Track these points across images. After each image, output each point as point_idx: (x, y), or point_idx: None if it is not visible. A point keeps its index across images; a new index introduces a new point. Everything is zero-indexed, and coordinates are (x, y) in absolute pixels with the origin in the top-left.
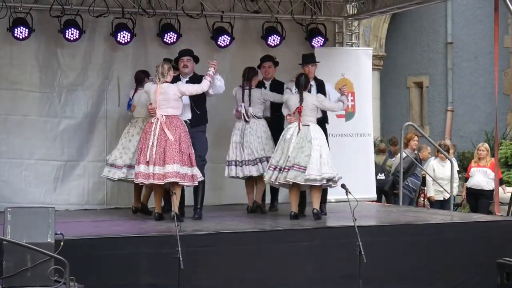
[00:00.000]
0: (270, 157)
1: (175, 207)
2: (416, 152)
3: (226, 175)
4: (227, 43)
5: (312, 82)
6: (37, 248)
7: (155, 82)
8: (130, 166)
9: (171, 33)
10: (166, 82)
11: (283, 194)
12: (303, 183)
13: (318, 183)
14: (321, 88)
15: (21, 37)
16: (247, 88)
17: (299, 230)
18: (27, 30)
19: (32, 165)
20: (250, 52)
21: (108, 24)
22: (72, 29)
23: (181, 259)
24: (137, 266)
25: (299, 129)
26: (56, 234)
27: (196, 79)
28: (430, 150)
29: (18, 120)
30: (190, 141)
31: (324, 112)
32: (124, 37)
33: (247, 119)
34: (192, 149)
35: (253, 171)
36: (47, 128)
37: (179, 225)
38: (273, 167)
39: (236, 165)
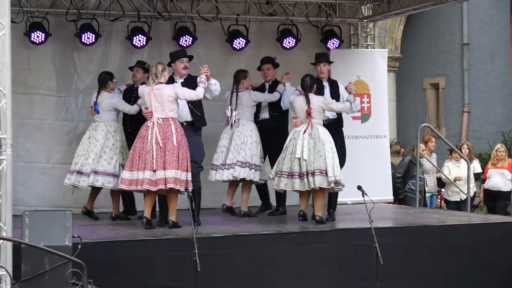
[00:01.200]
0: (242, 161)
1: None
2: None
3: (210, 179)
4: (243, 45)
5: (326, 83)
6: (55, 251)
7: (148, 84)
8: (96, 172)
9: (187, 36)
10: (160, 83)
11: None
12: (329, 187)
13: (341, 187)
14: (334, 89)
15: (37, 42)
16: (235, 91)
17: (315, 232)
18: (43, 34)
19: (49, 169)
20: (266, 54)
21: (124, 28)
22: (88, 33)
23: (198, 261)
24: (154, 269)
25: (312, 131)
26: (73, 237)
27: (190, 80)
28: (424, 148)
29: (35, 124)
30: (187, 145)
31: (339, 115)
32: (140, 40)
33: (231, 122)
34: (189, 154)
35: (236, 174)
36: (64, 132)
37: (196, 227)
38: (286, 174)
39: (221, 169)
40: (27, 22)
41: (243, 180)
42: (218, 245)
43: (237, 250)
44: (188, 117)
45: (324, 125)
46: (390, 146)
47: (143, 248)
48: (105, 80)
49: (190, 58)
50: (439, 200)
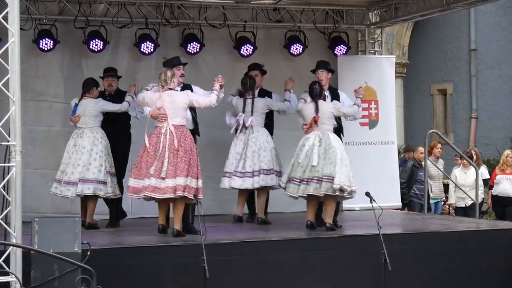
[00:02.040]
0: (266, 169)
1: (176, 221)
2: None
3: (223, 186)
4: (250, 52)
5: (326, 92)
6: (64, 258)
7: (156, 90)
8: (85, 180)
9: (194, 43)
10: (170, 89)
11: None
12: (334, 194)
13: (346, 194)
14: (335, 98)
15: (46, 49)
16: (250, 97)
17: (324, 238)
18: (52, 41)
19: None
20: (273, 61)
21: (131, 35)
22: (96, 40)
23: (206, 268)
24: (163, 275)
25: (320, 139)
26: (82, 243)
27: (187, 88)
28: (423, 150)
29: (43, 131)
30: (197, 152)
31: (339, 121)
32: (147, 47)
33: (245, 130)
34: (199, 161)
35: (264, 182)
36: None
37: (204, 234)
38: (298, 180)
39: (238, 176)
40: (35, 30)
41: (263, 186)
42: (226, 251)
43: (246, 257)
44: (190, 126)
45: None
46: (399, 153)
47: (152, 254)
48: (90, 86)
49: (185, 65)
50: (447, 206)
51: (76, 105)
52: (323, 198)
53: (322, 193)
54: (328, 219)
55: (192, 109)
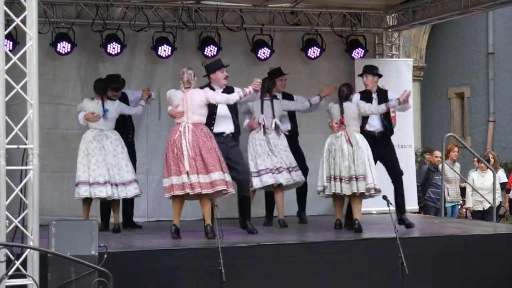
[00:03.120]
0: (293, 166)
1: (206, 219)
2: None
3: (255, 186)
4: (267, 55)
5: (374, 95)
6: (81, 261)
7: (179, 89)
8: (124, 184)
9: (212, 46)
10: (191, 88)
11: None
12: (368, 193)
13: (374, 193)
14: (384, 99)
15: (63, 52)
16: (268, 99)
17: (340, 242)
18: (69, 45)
19: (74, 178)
20: (290, 64)
21: (149, 38)
22: (114, 43)
23: (223, 271)
24: (179, 279)
25: (349, 138)
26: (99, 246)
27: (229, 90)
28: (438, 154)
29: (61, 134)
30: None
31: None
32: (165, 50)
33: (268, 131)
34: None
35: (282, 179)
36: None
37: (220, 237)
38: (338, 178)
39: (268, 173)
40: (53, 33)
41: (279, 186)
42: (242, 254)
43: (262, 260)
44: (232, 128)
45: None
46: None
47: (168, 257)
48: (104, 89)
49: (227, 66)
50: (464, 210)
51: (106, 109)
52: (349, 197)
53: (360, 192)
54: (358, 216)
55: (234, 113)
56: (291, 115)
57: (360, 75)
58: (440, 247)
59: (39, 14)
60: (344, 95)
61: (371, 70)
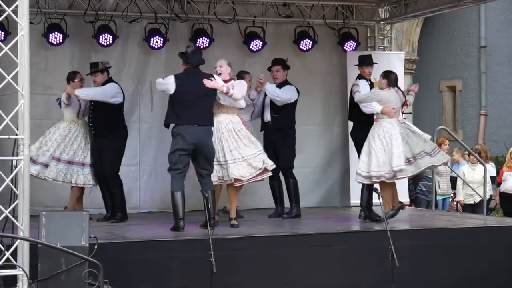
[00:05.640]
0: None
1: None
2: None
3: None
4: (259, 47)
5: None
6: (71, 251)
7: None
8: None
9: (204, 38)
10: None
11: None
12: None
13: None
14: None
15: (55, 43)
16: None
17: (331, 234)
18: (61, 35)
19: None
20: (283, 56)
21: (141, 29)
22: (106, 34)
23: (214, 262)
24: (170, 270)
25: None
26: (90, 237)
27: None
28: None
29: (52, 124)
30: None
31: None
32: (157, 42)
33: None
34: None
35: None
36: None
37: (212, 228)
38: (412, 158)
39: None
40: (45, 23)
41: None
42: (233, 246)
43: (253, 251)
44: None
45: None
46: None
47: (159, 249)
48: (67, 78)
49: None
50: (455, 203)
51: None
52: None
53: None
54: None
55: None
56: (275, 107)
57: (361, 66)
58: (431, 239)
59: (31, 4)
60: (396, 82)
61: (371, 62)
